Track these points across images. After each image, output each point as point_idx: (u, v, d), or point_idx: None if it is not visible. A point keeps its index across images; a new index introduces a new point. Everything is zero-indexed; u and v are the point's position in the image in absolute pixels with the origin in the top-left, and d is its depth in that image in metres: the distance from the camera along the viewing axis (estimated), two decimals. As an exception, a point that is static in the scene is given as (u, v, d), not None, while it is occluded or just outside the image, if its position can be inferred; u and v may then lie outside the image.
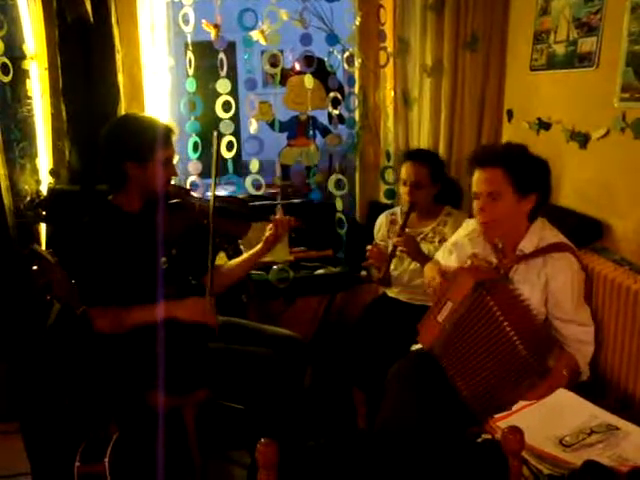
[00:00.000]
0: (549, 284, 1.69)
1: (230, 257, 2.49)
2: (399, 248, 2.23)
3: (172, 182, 1.96)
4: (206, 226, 1.86)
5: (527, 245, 1.73)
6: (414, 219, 2.35)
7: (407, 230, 2.28)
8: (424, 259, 2.18)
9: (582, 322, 1.72)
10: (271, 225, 2.03)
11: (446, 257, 1.97)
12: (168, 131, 1.85)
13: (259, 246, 2.06)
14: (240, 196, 2.76)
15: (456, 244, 1.95)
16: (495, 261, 1.79)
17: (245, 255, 2.10)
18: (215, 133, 1.89)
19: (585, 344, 1.72)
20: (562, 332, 1.71)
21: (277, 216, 2.06)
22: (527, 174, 1.69)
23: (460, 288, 1.63)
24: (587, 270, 1.84)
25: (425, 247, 2.29)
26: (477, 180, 1.73)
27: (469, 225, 1.91)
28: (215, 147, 1.89)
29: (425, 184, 2.29)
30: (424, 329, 1.75)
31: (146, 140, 1.76)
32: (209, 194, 1.92)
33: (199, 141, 2.67)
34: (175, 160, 1.94)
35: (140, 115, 2.00)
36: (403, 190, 2.33)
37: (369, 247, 2.30)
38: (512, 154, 1.72)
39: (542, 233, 1.74)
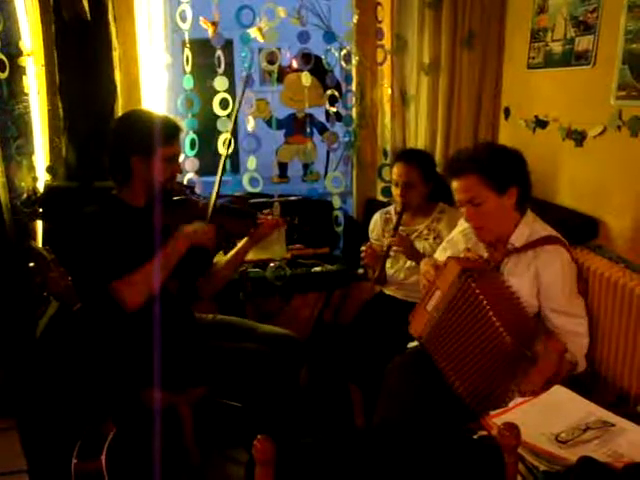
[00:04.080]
0: (539, 276, 1.71)
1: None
2: (393, 248, 2.24)
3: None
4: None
5: (518, 238, 1.74)
6: (408, 217, 2.36)
7: (401, 228, 2.29)
8: (419, 257, 2.19)
9: (575, 314, 1.73)
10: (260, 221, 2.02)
11: (442, 255, 1.98)
12: (175, 128, 1.85)
13: (242, 242, 2.05)
14: (237, 193, 2.77)
15: (450, 241, 1.98)
16: (486, 254, 1.81)
17: (231, 252, 2.09)
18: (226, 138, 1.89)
19: (579, 336, 1.72)
20: (555, 323, 1.71)
21: (268, 215, 2.06)
22: (501, 172, 1.70)
23: (448, 276, 1.66)
24: (583, 268, 1.85)
25: (420, 244, 2.30)
26: (456, 189, 1.75)
27: (463, 223, 1.92)
28: (223, 162, 1.88)
29: (417, 184, 2.30)
30: (414, 319, 1.78)
31: (152, 135, 1.76)
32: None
33: (196, 138, 2.67)
34: (181, 158, 1.94)
35: (148, 110, 2.00)
36: (395, 191, 2.34)
37: (363, 247, 2.31)
38: (481, 156, 1.72)
39: (532, 226, 1.76)
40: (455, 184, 1.75)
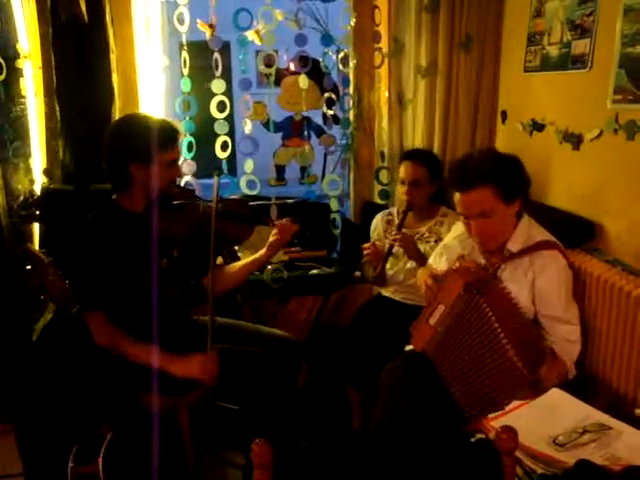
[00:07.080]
0: (536, 281, 1.70)
1: (225, 259, 2.49)
2: (397, 244, 2.24)
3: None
4: (209, 229, 1.85)
5: (515, 244, 1.73)
6: (410, 219, 2.36)
7: (404, 230, 2.29)
8: (421, 258, 2.19)
9: (569, 320, 1.72)
10: (275, 231, 2.01)
11: (437, 260, 1.97)
12: (174, 132, 1.83)
13: (263, 251, 2.04)
14: (235, 196, 2.77)
15: (446, 246, 1.95)
16: (483, 261, 1.79)
17: (249, 259, 2.09)
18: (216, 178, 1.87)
19: (572, 344, 1.72)
20: (550, 331, 1.71)
21: (280, 221, 2.03)
22: (511, 181, 1.66)
23: (451, 290, 1.63)
24: (579, 270, 1.85)
25: (421, 247, 2.30)
26: (464, 202, 1.67)
27: (459, 228, 1.90)
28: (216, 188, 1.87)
29: (423, 183, 2.31)
30: (416, 332, 1.76)
31: (150, 141, 1.73)
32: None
33: (193, 141, 2.67)
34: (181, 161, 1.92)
35: (145, 115, 1.98)
36: (401, 189, 2.35)
37: (366, 245, 2.31)
38: (492, 166, 1.66)
39: (529, 231, 1.74)
40: (463, 197, 1.66)
